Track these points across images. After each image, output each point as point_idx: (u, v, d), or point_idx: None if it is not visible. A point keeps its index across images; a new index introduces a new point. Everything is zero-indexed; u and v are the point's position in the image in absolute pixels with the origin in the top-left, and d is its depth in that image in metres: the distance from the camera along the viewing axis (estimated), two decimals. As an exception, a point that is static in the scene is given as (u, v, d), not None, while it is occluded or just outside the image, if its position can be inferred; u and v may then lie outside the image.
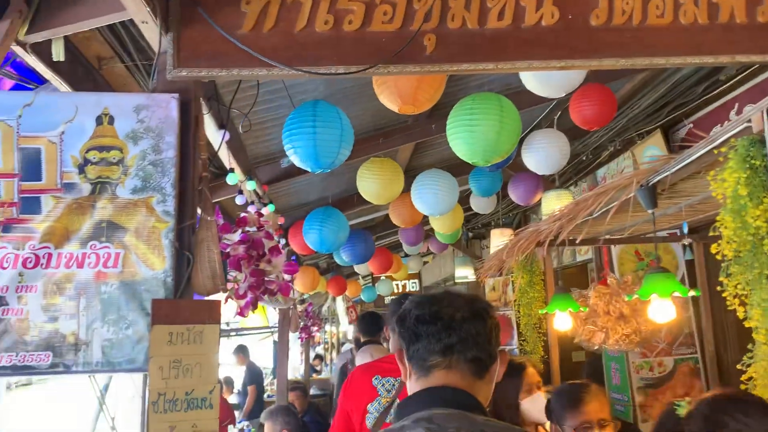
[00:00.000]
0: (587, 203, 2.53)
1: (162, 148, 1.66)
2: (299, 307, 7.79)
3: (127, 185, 1.65)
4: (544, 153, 3.64)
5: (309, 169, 2.38)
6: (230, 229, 1.66)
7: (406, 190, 5.29)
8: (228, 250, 1.62)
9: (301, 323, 7.63)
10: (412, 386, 1.37)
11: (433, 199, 3.67)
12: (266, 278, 1.70)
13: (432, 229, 7.69)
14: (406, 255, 10.24)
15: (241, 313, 1.67)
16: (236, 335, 13.26)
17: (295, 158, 2.32)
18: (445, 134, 4.88)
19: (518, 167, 5.55)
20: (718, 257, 1.81)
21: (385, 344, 4.71)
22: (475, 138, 2.34)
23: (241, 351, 9.82)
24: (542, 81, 2.58)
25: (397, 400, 2.61)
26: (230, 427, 7.81)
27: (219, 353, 1.62)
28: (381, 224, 7.85)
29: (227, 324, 10.77)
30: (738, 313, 1.78)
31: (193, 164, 1.70)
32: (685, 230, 2.77)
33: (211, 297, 1.67)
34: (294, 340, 12.15)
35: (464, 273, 9.00)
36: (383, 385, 2.70)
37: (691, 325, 5.30)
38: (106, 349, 1.57)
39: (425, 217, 5.52)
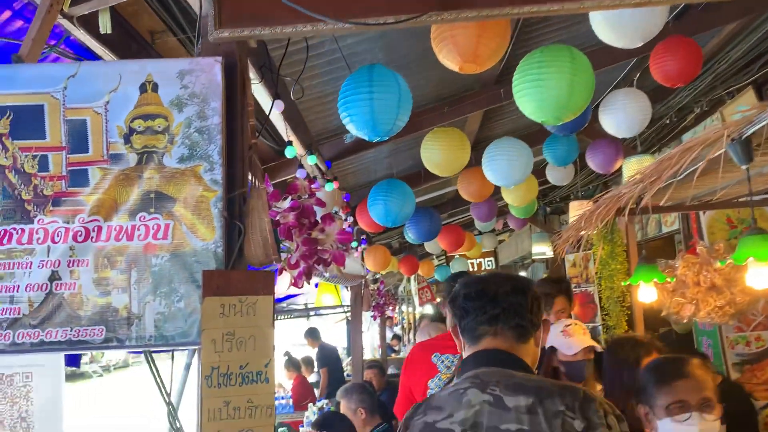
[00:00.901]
0: (671, 162, 2.30)
1: (207, 115, 1.59)
2: (371, 286, 7.76)
3: (173, 154, 1.59)
4: (623, 113, 3.38)
5: (366, 137, 2.27)
6: (280, 198, 1.57)
7: (476, 163, 5.11)
8: (278, 218, 1.54)
9: (374, 302, 7.60)
10: (466, 354, 1.58)
11: (506, 168, 3.48)
12: (319, 247, 1.61)
13: (507, 205, 7.47)
14: (480, 233, 10.02)
15: (295, 283, 1.59)
16: (314, 315, 13.48)
17: (351, 126, 2.22)
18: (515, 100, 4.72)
19: (596, 134, 5.27)
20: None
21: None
22: (545, 94, 2.15)
23: (311, 334, 9.95)
24: (616, 28, 2.35)
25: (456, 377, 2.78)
26: (310, 405, 7.94)
27: (274, 326, 1.54)
28: (452, 201, 7.66)
29: (305, 305, 10.93)
30: None
31: (240, 130, 1.62)
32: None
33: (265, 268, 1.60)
34: (371, 322, 12.23)
35: (542, 249, 8.70)
36: (443, 362, 2.81)
37: (792, 296, 4.89)
38: (159, 322, 1.53)
39: (497, 191, 5.32)
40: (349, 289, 5.92)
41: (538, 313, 1.58)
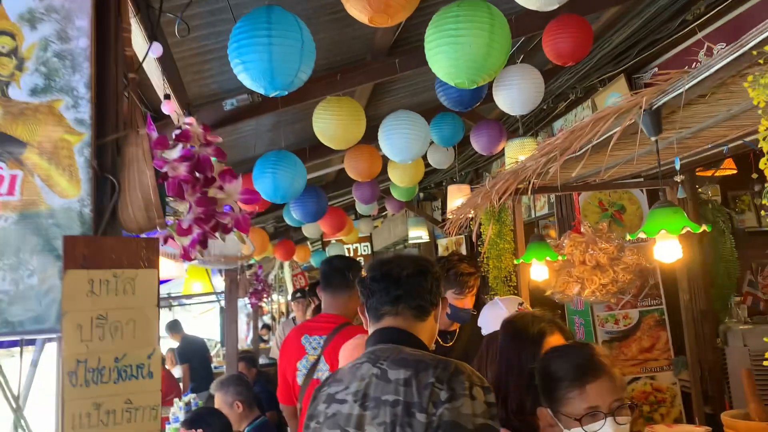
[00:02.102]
0: (584, 132, 2.21)
1: (71, 36, 1.22)
2: (248, 272, 7.35)
3: (23, 84, 1.21)
4: (517, 90, 3.32)
5: (262, 91, 1.97)
6: (168, 145, 1.24)
7: (364, 140, 4.91)
8: (165, 169, 1.21)
9: (251, 288, 7.20)
10: (370, 331, 1.73)
11: (403, 143, 3.30)
12: (218, 210, 1.30)
13: (386, 190, 7.35)
14: (357, 218, 9.88)
15: (185, 254, 1.27)
16: (177, 305, 12.69)
17: (244, 77, 1.91)
18: (407, 74, 4.54)
19: (478, 117, 5.25)
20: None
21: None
22: (461, 51, 1.97)
23: (172, 327, 9.39)
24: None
25: (322, 357, 2.82)
26: (176, 400, 7.39)
27: (159, 307, 1.22)
28: (332, 183, 7.43)
29: (168, 295, 10.23)
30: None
31: (115, 59, 1.27)
32: (677, 166, 2.49)
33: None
34: (240, 311, 11.71)
35: (418, 234, 8.72)
36: (310, 343, 2.91)
37: (657, 275, 5.18)
38: (2, 305, 1.16)
39: (380, 174, 5.15)
40: (222, 275, 5.50)
41: (437, 292, 1.75)
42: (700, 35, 3.92)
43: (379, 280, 1.70)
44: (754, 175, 5.44)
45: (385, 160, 4.89)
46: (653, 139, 2.21)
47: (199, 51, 3.00)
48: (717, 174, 5.70)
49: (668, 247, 2.18)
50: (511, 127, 5.62)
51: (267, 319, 15.75)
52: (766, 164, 1.50)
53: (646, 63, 4.45)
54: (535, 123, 5.71)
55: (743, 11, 3.53)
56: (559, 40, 3.31)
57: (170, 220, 1.29)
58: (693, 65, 4.13)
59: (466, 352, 2.86)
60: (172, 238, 1.29)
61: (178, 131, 1.34)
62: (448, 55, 1.99)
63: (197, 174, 1.26)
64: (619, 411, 1.61)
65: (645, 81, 4.48)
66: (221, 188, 1.31)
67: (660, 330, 5.12)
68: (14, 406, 1.17)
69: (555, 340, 2.04)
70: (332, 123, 3.21)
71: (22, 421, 1.17)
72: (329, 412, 1.60)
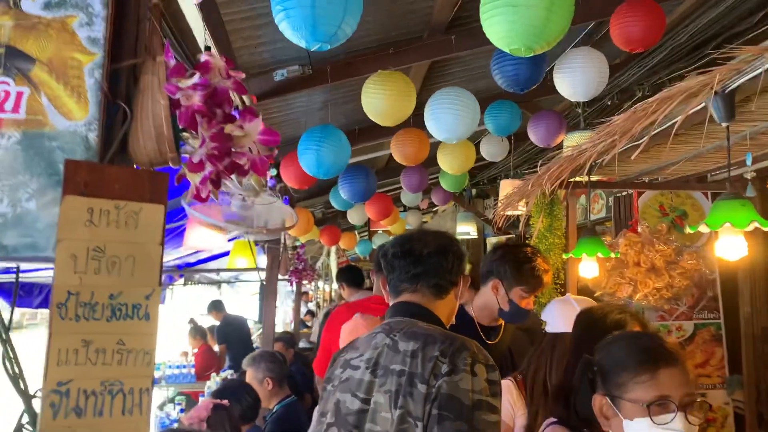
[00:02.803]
0: (647, 113, 2.03)
1: (91, -51, 1.15)
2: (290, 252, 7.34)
3: (36, -4, 1.15)
4: (580, 73, 3.13)
5: (303, 42, 1.87)
6: (185, 74, 1.15)
7: (413, 124, 4.77)
8: (178, 96, 1.12)
9: (292, 267, 7.17)
10: (390, 304, 1.78)
11: (451, 119, 3.14)
12: (234, 148, 1.21)
13: (434, 183, 7.20)
14: (405, 210, 9.76)
15: (198, 195, 1.18)
16: (226, 284, 12.83)
17: (285, 26, 1.81)
18: (463, 57, 4.39)
19: (537, 109, 5.05)
20: None
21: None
22: (519, 14, 1.81)
23: (215, 307, 9.46)
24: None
25: None
26: (213, 375, 7.47)
27: (163, 245, 1.13)
28: (381, 171, 7.33)
29: (218, 272, 10.35)
30: None
31: (138, -20, 1.20)
32: (749, 162, 2.27)
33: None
34: (285, 297, 11.76)
35: (466, 229, 8.54)
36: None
37: (716, 287, 4.88)
38: (-2, 227, 1.09)
39: (429, 163, 5.00)
40: (266, 251, 5.47)
41: (458, 271, 1.78)
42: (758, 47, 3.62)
43: (401, 257, 1.75)
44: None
45: (434, 148, 4.74)
46: (724, 125, 2.00)
47: (250, 15, 2.93)
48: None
49: (732, 243, 1.97)
50: (572, 121, 5.39)
51: (312, 305, 15.83)
52: None
53: (722, 62, 4.17)
54: (597, 118, 5.45)
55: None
56: (629, 23, 3.10)
57: (186, 157, 1.20)
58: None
59: (510, 350, 2.69)
60: (186, 175, 1.20)
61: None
62: (504, 17, 1.84)
63: (214, 108, 1.16)
64: (692, 408, 1.40)
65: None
66: (241, 127, 1.21)
67: (715, 345, 4.82)
68: (4, 336, 1.10)
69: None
70: (382, 98, 3.09)
71: (11, 355, 1.11)
72: (343, 377, 1.66)
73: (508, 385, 2.16)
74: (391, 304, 1.78)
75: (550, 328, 2.24)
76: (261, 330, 11.28)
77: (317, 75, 3.52)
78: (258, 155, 1.23)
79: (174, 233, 5.41)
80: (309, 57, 3.40)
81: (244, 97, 3.02)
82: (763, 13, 3.54)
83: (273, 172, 4.14)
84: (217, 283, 13.23)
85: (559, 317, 2.24)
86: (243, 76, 1.26)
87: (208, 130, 1.15)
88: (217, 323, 9.37)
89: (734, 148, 2.77)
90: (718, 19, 3.77)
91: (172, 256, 7.46)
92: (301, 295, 9.81)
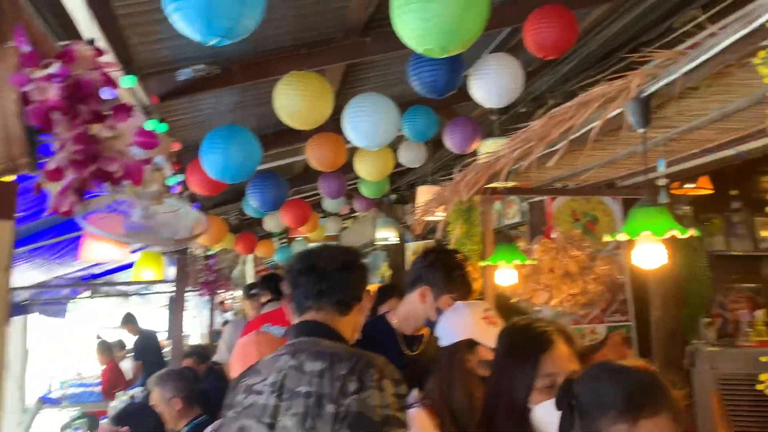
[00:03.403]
0: (564, 118, 1.98)
1: None
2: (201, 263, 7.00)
3: None
4: (495, 80, 3.09)
5: (198, 37, 1.69)
6: (40, 63, 0.96)
7: (330, 128, 4.62)
8: (29, 89, 0.92)
9: (202, 279, 6.84)
10: (292, 323, 1.76)
11: (371, 127, 3.02)
12: (106, 154, 1.02)
13: (355, 189, 7.07)
14: (325, 215, 9.59)
15: (56, 208, 0.99)
16: (135, 295, 12.20)
17: (177, 18, 1.63)
18: (380, 61, 4.29)
19: (453, 114, 5.02)
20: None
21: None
22: (433, 12, 1.71)
23: (130, 320, 8.95)
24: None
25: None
26: (119, 394, 7.01)
27: (9, 270, 0.94)
28: (299, 177, 7.13)
29: (126, 283, 9.79)
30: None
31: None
32: (662, 169, 2.28)
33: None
34: (202, 306, 11.29)
35: (386, 235, 8.48)
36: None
37: (626, 290, 5.00)
38: None
39: (348, 168, 4.87)
40: (173, 262, 5.17)
41: (361, 286, 1.79)
42: (687, 43, 3.74)
43: (305, 273, 1.74)
44: (735, 192, 5.32)
45: (352, 153, 4.62)
46: (641, 131, 1.98)
47: (147, 8, 2.69)
48: (691, 193, 5.55)
49: (651, 252, 1.94)
50: (487, 128, 5.41)
51: (229, 315, 15.34)
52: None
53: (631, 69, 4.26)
54: (511, 125, 5.49)
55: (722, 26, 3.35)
56: (543, 30, 3.10)
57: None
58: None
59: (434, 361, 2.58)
60: (44, 186, 1.01)
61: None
62: (417, 15, 1.73)
63: (77, 104, 0.97)
64: None
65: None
66: (113, 127, 1.03)
67: (626, 348, 4.93)
68: None
69: (562, 354, 1.64)
70: (296, 99, 2.93)
71: None
72: (246, 403, 1.62)
73: (419, 416, 1.97)
74: (293, 324, 1.76)
75: (444, 342, 2.11)
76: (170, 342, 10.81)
77: (225, 75, 3.32)
78: (133, 160, 1.05)
79: (70, 245, 5.03)
80: (216, 55, 3.20)
81: (143, 97, 2.78)
82: (671, 21, 3.64)
83: (175, 179, 3.89)
84: (126, 296, 12.58)
85: (451, 328, 2.13)
86: (115, 67, 1.07)
87: (69, 130, 0.96)
88: (133, 337, 8.86)
89: (647, 154, 2.80)
90: (628, 27, 3.85)
91: (73, 268, 6.98)
92: (214, 306, 9.42)
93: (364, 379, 1.50)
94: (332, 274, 1.72)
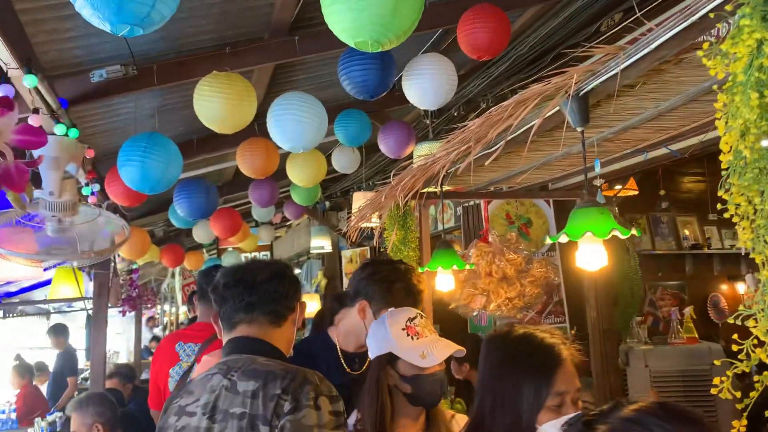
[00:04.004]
0: (502, 116, 1.91)
1: None
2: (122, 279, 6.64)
3: None
4: (429, 80, 3.01)
5: (107, 26, 1.52)
6: None
7: (259, 133, 4.45)
8: None
9: (124, 294, 6.48)
10: (224, 341, 1.67)
11: (296, 127, 2.87)
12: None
13: (286, 196, 6.88)
14: (257, 224, 9.33)
15: None
16: (56, 312, 11.53)
17: (82, 4, 1.45)
18: (310, 63, 4.15)
19: (387, 119, 4.95)
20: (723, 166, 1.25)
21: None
22: (366, 3, 1.60)
23: (60, 332, 8.26)
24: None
25: (196, 365, 2.67)
26: (37, 420, 6.54)
27: None
28: (228, 185, 6.88)
29: (45, 299, 9.21)
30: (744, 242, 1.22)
31: None
32: (598, 169, 2.24)
33: None
34: (128, 322, 10.75)
35: (321, 243, 8.33)
36: (185, 350, 2.91)
37: (561, 291, 5.04)
38: None
39: (280, 175, 4.71)
40: (91, 276, 4.85)
41: (294, 296, 1.72)
42: (626, 39, 3.78)
43: (233, 286, 1.65)
44: (662, 192, 5.46)
45: (284, 160, 4.46)
46: (579, 129, 1.93)
47: (54, 3, 2.47)
48: (619, 195, 5.68)
49: (593, 253, 1.89)
50: (421, 132, 5.36)
51: (158, 330, 14.73)
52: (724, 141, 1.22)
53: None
54: (446, 130, 5.47)
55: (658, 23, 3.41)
56: (476, 30, 3.05)
57: None
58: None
59: None
60: None
61: None
62: (348, 6, 1.61)
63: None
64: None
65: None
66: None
67: (563, 349, 4.97)
68: None
69: (571, 369, 1.47)
70: (217, 102, 2.76)
71: None
72: (179, 425, 1.55)
73: None
74: (225, 341, 1.66)
75: (372, 353, 1.95)
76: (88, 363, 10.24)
77: (143, 76, 3.11)
78: (15, 163, 0.88)
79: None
80: (132, 55, 2.99)
81: (50, 101, 2.55)
82: (599, 24, 3.68)
83: (90, 189, 3.63)
84: (47, 314, 11.86)
85: (374, 340, 1.97)
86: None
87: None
88: (54, 352, 8.21)
89: (580, 155, 2.78)
90: (558, 29, 3.88)
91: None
92: (141, 322, 8.98)
93: (299, 397, 1.44)
94: (262, 284, 1.64)
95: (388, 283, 2.21)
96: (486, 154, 2.67)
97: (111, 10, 1.43)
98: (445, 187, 3.36)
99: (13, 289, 7.68)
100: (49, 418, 6.57)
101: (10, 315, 9.40)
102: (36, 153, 2.59)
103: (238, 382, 1.51)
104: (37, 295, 8.42)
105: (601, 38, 3.73)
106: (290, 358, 1.74)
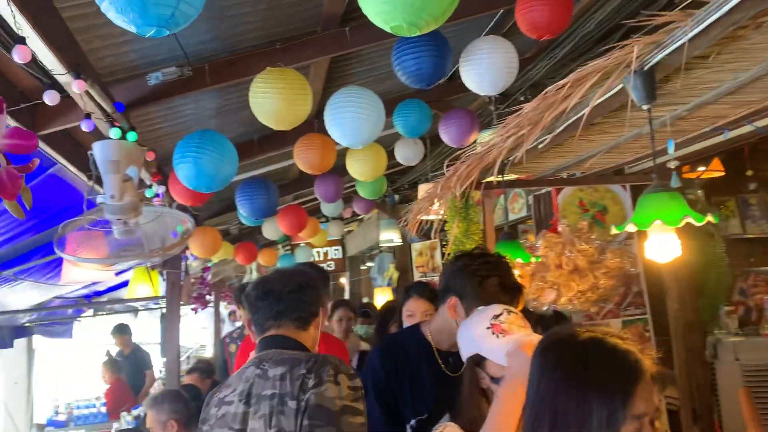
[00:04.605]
0: (557, 98, 1.75)
1: None
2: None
3: None
4: (486, 64, 2.86)
5: (134, 28, 1.48)
6: None
7: (318, 129, 4.41)
8: None
9: (195, 292, 6.63)
10: (257, 342, 1.92)
11: (354, 123, 2.79)
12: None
13: (354, 191, 6.85)
14: (327, 220, 9.38)
15: None
16: (144, 310, 12.00)
17: (107, 7, 1.42)
18: (366, 55, 4.07)
19: (449, 109, 4.80)
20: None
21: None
22: (399, -17, 1.50)
23: (124, 331, 8.58)
24: None
25: None
26: (123, 414, 6.82)
27: None
28: (295, 182, 6.91)
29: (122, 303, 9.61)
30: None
31: None
32: (672, 150, 2.04)
33: None
34: (207, 317, 11.07)
35: (390, 236, 8.27)
36: None
37: (641, 282, 4.76)
38: None
39: (345, 171, 4.66)
40: (164, 275, 4.98)
41: (317, 303, 1.92)
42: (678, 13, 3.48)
43: (262, 297, 1.87)
44: (749, 172, 5.05)
45: (344, 153, 4.41)
46: (645, 107, 1.75)
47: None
48: (703, 177, 5.30)
49: (664, 243, 1.71)
50: (485, 119, 5.18)
51: (240, 324, 15.12)
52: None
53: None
54: (510, 114, 5.25)
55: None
56: (534, 9, 2.87)
57: None
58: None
59: None
60: None
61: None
62: (382, -13, 1.51)
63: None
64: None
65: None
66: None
67: (644, 341, 4.69)
68: None
69: (650, 385, 1.21)
70: (272, 98, 2.71)
71: None
72: (219, 414, 1.76)
73: None
74: (258, 340, 1.89)
75: (463, 356, 1.83)
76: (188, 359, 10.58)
77: (198, 77, 3.12)
78: (6, 168, 0.84)
79: (60, 266, 4.86)
80: (186, 56, 3.00)
81: (104, 105, 2.57)
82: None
83: (155, 191, 3.69)
84: (134, 311, 12.38)
85: (462, 341, 1.81)
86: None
87: None
88: (117, 349, 8.58)
89: (654, 135, 2.57)
90: (627, 2, 3.61)
91: (73, 287, 6.80)
92: (219, 318, 9.21)
93: (321, 375, 1.66)
94: (288, 295, 1.85)
95: (480, 277, 1.99)
96: (544, 140, 2.51)
97: (135, 12, 1.39)
98: (510, 176, 3.20)
99: (101, 288, 8.04)
100: (134, 412, 6.85)
101: (100, 313, 9.84)
102: (97, 159, 2.65)
103: (268, 370, 1.73)
104: (123, 293, 8.78)
105: (675, 9, 3.46)
106: (380, 347, 1.97)
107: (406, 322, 2.96)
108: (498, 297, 1.93)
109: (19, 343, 7.64)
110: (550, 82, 4.80)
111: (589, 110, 1.70)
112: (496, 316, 1.75)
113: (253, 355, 2.11)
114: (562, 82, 1.75)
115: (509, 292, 2.00)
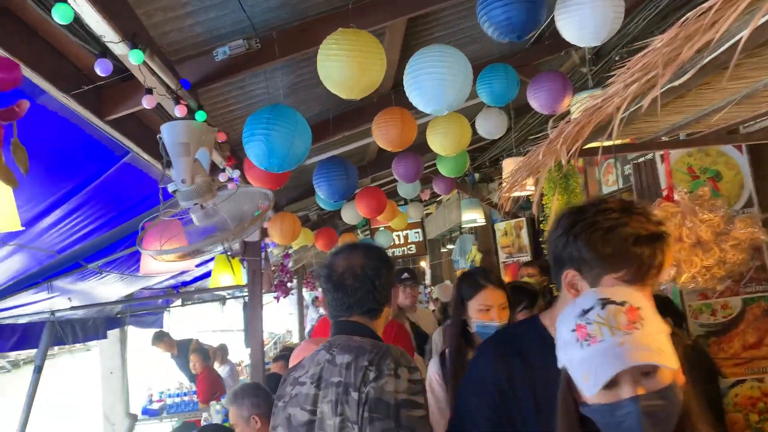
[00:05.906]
0: (699, 26, 1.38)
1: None
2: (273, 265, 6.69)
3: None
4: (590, 8, 2.47)
5: None
6: None
7: (395, 102, 4.12)
8: None
9: (276, 280, 6.52)
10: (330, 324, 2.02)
11: (437, 85, 2.46)
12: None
13: (433, 170, 6.54)
14: (405, 202, 9.11)
15: None
16: (231, 298, 12.18)
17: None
18: (446, 18, 3.72)
19: (536, 73, 4.39)
20: None
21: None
22: None
23: (163, 337, 8.74)
24: None
25: None
26: (213, 403, 6.85)
27: None
28: (373, 163, 6.67)
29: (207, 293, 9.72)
30: None
31: None
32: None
33: None
34: (292, 303, 11.09)
35: (472, 216, 7.91)
36: None
37: (763, 254, 4.22)
38: None
39: (424, 149, 4.36)
40: (245, 264, 4.86)
41: (388, 289, 1.95)
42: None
43: (333, 290, 1.91)
44: None
45: (423, 131, 4.10)
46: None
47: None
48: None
49: None
50: (577, 83, 4.73)
51: (323, 310, 15.19)
52: None
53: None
54: (606, 75, 4.77)
55: None
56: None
57: None
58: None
59: None
60: None
61: None
62: None
63: None
64: None
65: None
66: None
67: (768, 323, 4.16)
68: None
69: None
70: (343, 61, 2.42)
71: None
72: (293, 393, 1.86)
73: None
74: (332, 323, 1.95)
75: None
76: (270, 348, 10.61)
77: (268, 49, 2.89)
78: None
79: (137, 261, 4.84)
80: (253, 27, 2.77)
81: (167, 80, 2.38)
82: None
83: (230, 175, 3.51)
84: (222, 299, 12.58)
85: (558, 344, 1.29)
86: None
87: None
88: (166, 353, 8.75)
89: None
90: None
91: (156, 279, 6.86)
92: (303, 304, 9.15)
93: (381, 368, 1.70)
94: (359, 289, 1.88)
95: (601, 232, 1.40)
96: (668, 92, 2.12)
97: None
98: (617, 140, 2.81)
99: (188, 278, 8.13)
100: (224, 400, 6.87)
101: (189, 302, 10.02)
102: (166, 142, 2.47)
103: (336, 356, 1.80)
104: (208, 284, 8.88)
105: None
106: (492, 338, 1.69)
107: (477, 318, 2.62)
108: (632, 258, 1.37)
109: (113, 333, 7.84)
110: (649, 36, 4.31)
111: (750, 31, 1.31)
112: (585, 312, 1.18)
113: (305, 345, 2.35)
114: (706, 4, 1.37)
115: (647, 243, 1.38)
